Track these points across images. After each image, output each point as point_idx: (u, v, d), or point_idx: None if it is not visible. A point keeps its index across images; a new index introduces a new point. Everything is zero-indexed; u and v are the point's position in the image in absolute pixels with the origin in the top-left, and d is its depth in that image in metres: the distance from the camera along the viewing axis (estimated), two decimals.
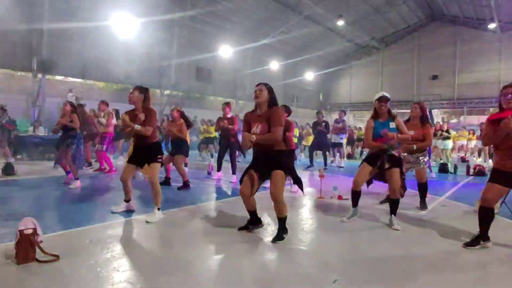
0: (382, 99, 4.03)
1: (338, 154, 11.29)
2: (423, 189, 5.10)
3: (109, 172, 7.84)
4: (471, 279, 2.74)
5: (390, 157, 3.99)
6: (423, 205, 5.07)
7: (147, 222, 3.95)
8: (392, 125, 4.01)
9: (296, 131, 13.26)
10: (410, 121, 5.02)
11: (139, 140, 4.30)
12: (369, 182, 4.44)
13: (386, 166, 3.97)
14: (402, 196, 4.19)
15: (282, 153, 3.47)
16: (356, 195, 4.19)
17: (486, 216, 3.34)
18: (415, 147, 4.84)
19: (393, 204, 4.06)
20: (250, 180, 3.51)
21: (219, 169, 7.53)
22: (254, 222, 3.74)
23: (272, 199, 3.39)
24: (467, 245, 3.35)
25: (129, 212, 4.42)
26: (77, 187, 5.99)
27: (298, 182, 3.66)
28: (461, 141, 15.23)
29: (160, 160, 4.31)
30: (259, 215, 3.75)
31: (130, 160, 4.41)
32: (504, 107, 3.27)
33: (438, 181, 8.08)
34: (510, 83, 3.33)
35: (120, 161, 9.46)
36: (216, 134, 12.40)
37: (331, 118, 25.40)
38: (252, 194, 3.57)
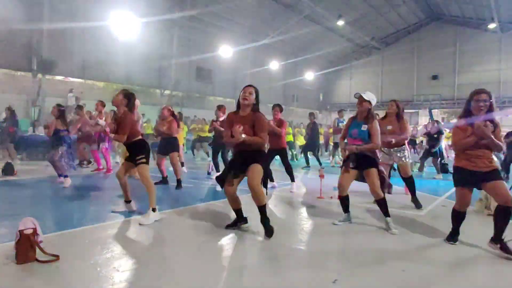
0: (357, 98, 3.95)
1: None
2: (410, 183, 5.11)
3: (108, 171, 7.83)
4: (471, 280, 2.74)
5: (362, 156, 3.85)
6: (416, 203, 5.06)
7: (140, 224, 3.87)
8: (364, 127, 3.87)
9: (290, 129, 13.28)
10: (387, 117, 5.18)
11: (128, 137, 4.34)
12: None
13: (351, 165, 3.87)
14: (389, 192, 4.05)
15: (260, 153, 3.62)
16: (343, 201, 4.06)
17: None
18: (393, 141, 4.90)
19: (380, 205, 3.90)
20: (231, 181, 3.62)
21: (218, 169, 7.53)
22: (240, 220, 3.83)
23: (250, 188, 3.47)
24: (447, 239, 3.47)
25: (129, 212, 4.42)
26: (67, 183, 6.06)
27: (266, 180, 3.76)
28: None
29: (144, 160, 4.23)
30: (245, 215, 3.85)
31: (126, 157, 4.43)
32: (474, 113, 3.20)
33: (438, 181, 8.08)
34: (481, 89, 3.23)
35: (117, 160, 9.46)
36: (211, 135, 12.41)
37: (331, 118, 25.43)
38: (235, 192, 3.69)
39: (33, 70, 13.83)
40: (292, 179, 6.37)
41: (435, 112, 25.85)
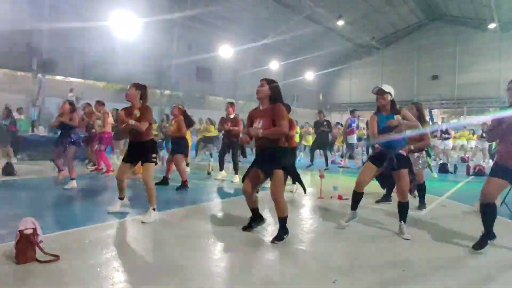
0: (376, 92, 3.83)
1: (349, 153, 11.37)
2: (421, 189, 5.09)
3: (107, 172, 7.81)
4: (471, 281, 2.74)
5: (398, 156, 3.68)
6: (422, 206, 5.07)
7: (142, 222, 3.93)
8: (397, 117, 3.71)
9: (297, 129, 13.23)
10: None
11: (135, 137, 4.29)
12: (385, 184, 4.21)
13: (396, 166, 3.66)
14: (411, 193, 3.92)
15: (282, 150, 3.46)
16: (357, 197, 3.91)
17: (488, 212, 3.28)
18: (412, 147, 4.81)
19: (402, 208, 3.75)
20: (251, 178, 3.53)
21: (221, 169, 7.50)
22: (256, 219, 3.76)
23: (273, 200, 3.40)
24: (476, 248, 3.20)
25: (128, 212, 4.42)
26: (73, 187, 5.90)
27: (298, 180, 3.65)
28: (462, 141, 15.23)
29: (155, 160, 4.25)
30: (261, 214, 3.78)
31: (125, 159, 4.36)
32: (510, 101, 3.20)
33: (438, 181, 8.08)
34: None
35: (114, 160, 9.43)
36: (219, 134, 12.39)
37: (331, 118, 25.42)
38: (254, 191, 3.61)
39: (33, 70, 13.83)
40: (294, 182, 6.33)
41: (435, 112, 25.88)
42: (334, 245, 3.45)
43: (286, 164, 3.46)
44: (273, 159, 3.41)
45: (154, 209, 4.10)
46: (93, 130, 8.08)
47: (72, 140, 6.12)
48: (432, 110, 18.48)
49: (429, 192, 6.38)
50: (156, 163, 4.29)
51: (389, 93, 3.77)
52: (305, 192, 3.86)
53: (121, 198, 4.47)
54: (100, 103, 8.19)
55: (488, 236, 3.28)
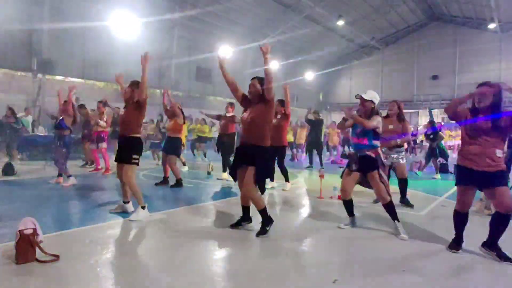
0: (358, 98, 3.89)
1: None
2: (403, 184, 5.13)
3: (106, 171, 7.81)
4: (471, 281, 2.74)
5: (362, 158, 3.75)
6: (406, 201, 5.08)
7: (130, 220, 3.94)
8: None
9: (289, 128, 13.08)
10: (389, 117, 5.20)
11: (122, 130, 4.27)
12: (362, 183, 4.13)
13: (354, 167, 3.77)
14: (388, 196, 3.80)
15: (260, 149, 3.55)
16: (347, 205, 3.96)
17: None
18: (398, 141, 4.93)
19: (387, 209, 3.78)
20: (241, 176, 3.63)
21: (224, 170, 7.44)
22: (245, 219, 3.83)
23: (245, 197, 3.55)
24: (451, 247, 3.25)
25: (129, 212, 4.41)
26: (70, 184, 6.03)
27: (261, 183, 3.78)
28: (458, 140, 15.20)
29: (135, 162, 4.15)
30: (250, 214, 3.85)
31: (116, 158, 4.34)
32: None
33: (438, 181, 8.07)
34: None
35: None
36: (210, 135, 12.35)
37: (331, 118, 25.43)
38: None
39: (33, 70, 13.82)
40: (287, 180, 6.42)
41: (435, 112, 25.85)
42: (333, 245, 3.45)
43: (259, 163, 3.52)
44: (248, 155, 3.53)
45: (143, 208, 4.08)
46: (90, 129, 8.10)
47: (63, 142, 6.18)
48: (432, 110, 18.46)
49: (429, 192, 6.41)
50: (137, 165, 4.19)
51: (370, 100, 3.83)
52: (262, 193, 3.91)
53: (125, 202, 4.39)
54: (101, 103, 8.20)
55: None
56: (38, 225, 2.92)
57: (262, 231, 3.54)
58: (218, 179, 7.39)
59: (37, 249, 2.77)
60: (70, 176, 6.21)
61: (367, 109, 3.84)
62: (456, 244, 3.27)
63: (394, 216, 3.74)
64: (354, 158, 3.82)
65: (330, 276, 2.63)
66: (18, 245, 2.72)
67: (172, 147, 6.41)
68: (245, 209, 3.79)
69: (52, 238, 3.24)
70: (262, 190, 3.75)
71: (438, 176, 8.63)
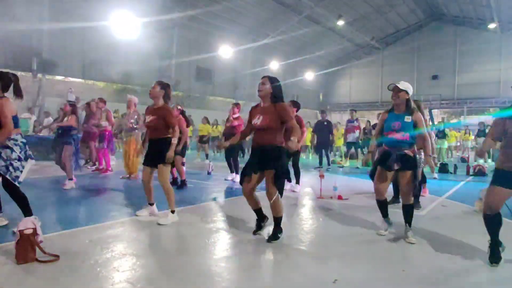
0: (392, 89, 3.59)
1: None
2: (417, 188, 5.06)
3: (105, 171, 7.79)
4: (471, 281, 2.74)
5: (401, 156, 3.49)
6: (417, 204, 5.05)
7: (158, 224, 3.87)
8: (408, 119, 3.51)
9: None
10: None
11: (152, 133, 4.18)
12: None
13: (395, 167, 3.50)
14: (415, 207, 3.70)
15: (277, 149, 3.39)
16: (381, 205, 3.76)
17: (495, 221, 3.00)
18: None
19: (405, 211, 3.62)
20: (249, 179, 3.50)
21: (231, 171, 7.38)
22: (262, 219, 3.72)
23: (268, 199, 3.40)
24: (493, 261, 2.93)
25: (129, 211, 4.42)
26: (72, 187, 5.90)
27: (280, 185, 3.49)
28: (462, 140, 15.26)
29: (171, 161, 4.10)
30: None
31: (145, 161, 4.20)
32: None
33: (438, 181, 8.07)
34: None
35: (113, 161, 9.37)
36: (214, 134, 12.36)
37: (331, 118, 25.42)
38: (253, 192, 3.58)
39: (33, 70, 13.82)
40: (297, 182, 6.34)
41: (435, 112, 25.88)
42: (334, 245, 3.45)
43: (278, 164, 3.35)
44: (266, 157, 3.37)
45: (172, 212, 4.02)
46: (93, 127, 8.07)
47: (69, 140, 6.09)
48: (432, 110, 18.51)
49: (429, 192, 6.40)
50: (172, 165, 4.14)
51: (405, 91, 3.54)
52: (295, 189, 3.75)
53: (150, 204, 4.30)
54: (101, 100, 8.18)
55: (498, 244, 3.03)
56: (38, 225, 2.92)
57: (272, 238, 3.41)
58: (226, 179, 7.36)
59: (37, 249, 2.77)
60: (71, 179, 6.09)
61: (402, 100, 3.56)
62: (495, 254, 2.97)
63: (408, 219, 3.60)
64: (393, 157, 3.50)
65: (330, 276, 2.63)
66: (18, 245, 2.72)
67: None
68: (257, 211, 3.66)
69: (52, 238, 3.24)
70: (281, 193, 3.61)
71: (436, 175, 8.65)
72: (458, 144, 15.03)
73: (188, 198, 5.47)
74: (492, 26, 22.66)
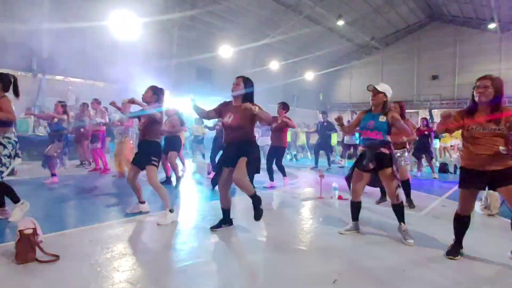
0: (371, 90, 3.70)
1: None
2: (406, 186, 5.06)
3: (105, 171, 7.80)
4: (472, 281, 2.74)
5: (376, 155, 3.52)
6: (410, 203, 5.06)
7: (158, 224, 3.88)
8: (382, 118, 3.57)
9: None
10: None
11: (141, 134, 4.27)
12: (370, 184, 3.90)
13: (371, 166, 3.53)
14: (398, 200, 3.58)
15: (251, 144, 3.58)
16: (355, 207, 3.75)
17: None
18: (405, 138, 4.84)
19: (395, 210, 3.58)
20: (224, 176, 3.62)
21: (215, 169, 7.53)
22: (226, 221, 3.81)
23: (236, 184, 3.46)
24: (449, 254, 3.10)
25: (138, 212, 4.41)
26: (53, 182, 6.16)
27: (250, 177, 3.66)
28: (454, 140, 15.20)
29: (156, 163, 4.13)
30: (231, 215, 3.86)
31: (133, 160, 4.30)
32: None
33: (438, 181, 8.07)
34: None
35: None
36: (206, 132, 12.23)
37: (332, 118, 25.41)
38: (228, 190, 3.71)
39: (33, 70, 13.82)
40: (284, 174, 6.72)
41: (435, 112, 25.87)
42: (334, 245, 3.45)
43: (252, 155, 3.50)
44: (239, 150, 3.50)
45: (171, 211, 4.04)
46: (82, 129, 8.12)
47: (59, 139, 6.22)
48: (432, 110, 18.49)
49: (429, 192, 6.41)
50: (156, 166, 4.16)
51: (383, 93, 3.65)
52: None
53: (141, 202, 4.38)
54: (96, 101, 8.22)
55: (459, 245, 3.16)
56: (38, 225, 2.92)
57: (258, 213, 3.52)
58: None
59: (37, 249, 2.77)
60: (54, 175, 6.23)
61: (379, 102, 3.64)
62: (454, 250, 3.14)
63: (401, 218, 3.56)
64: (368, 156, 3.55)
65: (330, 276, 2.63)
66: (18, 245, 2.72)
67: (171, 145, 6.45)
68: (225, 211, 3.78)
69: (52, 238, 3.24)
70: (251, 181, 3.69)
71: (436, 175, 8.66)
72: (454, 143, 14.99)
73: (188, 198, 5.47)
74: (492, 26, 22.64)
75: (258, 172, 3.75)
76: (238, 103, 3.62)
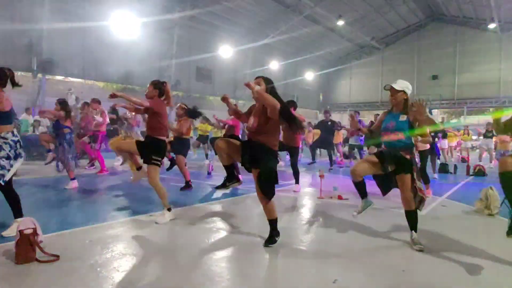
0: (389, 89, 3.48)
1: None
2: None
3: (101, 172, 7.74)
4: (471, 280, 2.74)
5: (396, 159, 3.36)
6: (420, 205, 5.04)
7: (156, 223, 3.88)
8: (403, 117, 3.40)
9: None
10: None
11: (146, 128, 4.24)
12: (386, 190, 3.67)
13: (389, 169, 3.38)
14: (419, 208, 3.44)
15: (269, 150, 3.28)
16: (359, 186, 3.57)
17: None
18: (419, 144, 4.72)
19: (409, 217, 3.42)
20: (232, 145, 3.36)
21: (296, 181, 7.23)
22: (231, 178, 3.58)
23: (261, 202, 3.31)
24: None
25: (129, 211, 4.41)
26: (72, 188, 5.87)
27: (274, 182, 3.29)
28: (459, 140, 15.21)
29: (157, 163, 4.06)
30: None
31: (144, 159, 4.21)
32: None
33: (438, 181, 8.07)
34: None
35: (116, 161, 9.36)
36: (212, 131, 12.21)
37: (332, 118, 25.41)
38: (229, 156, 3.41)
39: (33, 70, 13.83)
40: (297, 181, 6.27)
41: (435, 112, 25.89)
42: (334, 245, 3.44)
43: (264, 166, 3.21)
44: (256, 153, 3.23)
45: (169, 209, 4.03)
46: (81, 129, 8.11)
47: (61, 141, 6.09)
48: (432, 110, 18.47)
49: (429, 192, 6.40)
50: (159, 166, 4.10)
51: (403, 91, 3.44)
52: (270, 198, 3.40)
53: (138, 168, 4.38)
54: (95, 101, 8.19)
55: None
56: (38, 225, 2.92)
57: (270, 241, 3.31)
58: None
59: (37, 249, 2.77)
60: (73, 179, 6.02)
61: (399, 102, 3.46)
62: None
63: (413, 225, 3.41)
64: (388, 159, 3.37)
65: (330, 276, 2.63)
66: (18, 245, 2.72)
67: (180, 147, 6.25)
68: (228, 167, 3.54)
69: (52, 238, 3.24)
70: (270, 196, 3.42)
71: (436, 176, 8.67)
72: (456, 144, 15.01)
73: (188, 198, 5.47)
74: (492, 26, 22.65)
75: (277, 183, 3.32)
76: (259, 104, 3.38)
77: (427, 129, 3.70)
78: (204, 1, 17.49)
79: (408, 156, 3.35)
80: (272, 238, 3.32)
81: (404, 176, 3.34)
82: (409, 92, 3.48)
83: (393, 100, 3.48)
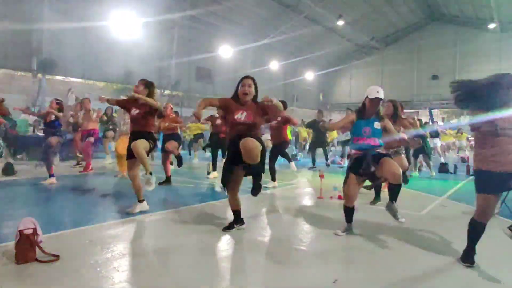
0: (380, 101, 3.59)
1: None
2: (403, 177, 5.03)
3: (85, 170, 7.77)
4: (471, 280, 2.74)
5: (374, 156, 3.51)
6: (404, 177, 5.03)
7: (127, 213, 4.13)
8: (377, 125, 3.56)
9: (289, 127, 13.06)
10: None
11: (135, 125, 4.36)
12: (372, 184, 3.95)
13: (372, 168, 3.48)
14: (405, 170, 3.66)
15: (258, 139, 3.43)
16: (350, 212, 3.68)
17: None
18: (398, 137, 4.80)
19: (392, 189, 3.49)
20: (234, 177, 3.57)
21: (214, 169, 7.61)
22: (238, 221, 3.78)
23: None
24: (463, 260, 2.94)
25: (129, 212, 4.42)
26: (50, 183, 6.10)
27: (258, 182, 3.51)
28: (455, 140, 15.20)
29: (149, 143, 4.27)
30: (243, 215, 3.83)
31: (127, 155, 4.35)
32: None
33: (438, 181, 8.07)
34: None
35: (107, 160, 9.37)
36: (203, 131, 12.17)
37: (332, 118, 25.43)
38: (237, 190, 3.66)
39: (33, 70, 13.83)
40: (273, 179, 6.53)
41: (435, 112, 25.87)
42: (334, 245, 3.44)
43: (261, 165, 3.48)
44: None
45: (141, 201, 4.22)
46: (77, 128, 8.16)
47: (56, 133, 6.30)
48: (432, 110, 18.47)
49: (429, 192, 6.41)
50: (149, 143, 4.27)
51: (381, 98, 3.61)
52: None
53: (140, 201, 4.36)
54: (88, 100, 8.26)
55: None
56: (38, 225, 2.92)
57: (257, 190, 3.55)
58: (206, 177, 7.48)
59: (37, 249, 2.77)
60: (52, 176, 6.22)
61: (390, 111, 3.77)
62: (470, 256, 2.93)
63: (394, 197, 3.48)
64: (368, 158, 3.49)
65: (330, 276, 2.63)
66: (18, 245, 2.72)
67: (173, 138, 6.64)
68: (236, 212, 3.75)
69: (52, 238, 3.24)
70: (257, 191, 3.62)
71: (433, 173, 8.69)
72: (452, 142, 14.99)
73: (188, 198, 5.47)
74: (492, 26, 22.67)
75: (262, 172, 3.55)
76: (247, 103, 3.56)
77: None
78: (204, 1, 17.50)
79: (383, 151, 3.62)
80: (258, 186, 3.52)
81: (384, 159, 3.48)
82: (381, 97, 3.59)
83: (387, 109, 3.79)
